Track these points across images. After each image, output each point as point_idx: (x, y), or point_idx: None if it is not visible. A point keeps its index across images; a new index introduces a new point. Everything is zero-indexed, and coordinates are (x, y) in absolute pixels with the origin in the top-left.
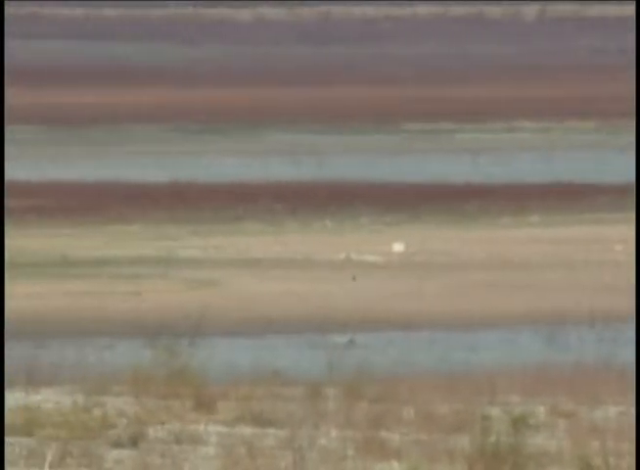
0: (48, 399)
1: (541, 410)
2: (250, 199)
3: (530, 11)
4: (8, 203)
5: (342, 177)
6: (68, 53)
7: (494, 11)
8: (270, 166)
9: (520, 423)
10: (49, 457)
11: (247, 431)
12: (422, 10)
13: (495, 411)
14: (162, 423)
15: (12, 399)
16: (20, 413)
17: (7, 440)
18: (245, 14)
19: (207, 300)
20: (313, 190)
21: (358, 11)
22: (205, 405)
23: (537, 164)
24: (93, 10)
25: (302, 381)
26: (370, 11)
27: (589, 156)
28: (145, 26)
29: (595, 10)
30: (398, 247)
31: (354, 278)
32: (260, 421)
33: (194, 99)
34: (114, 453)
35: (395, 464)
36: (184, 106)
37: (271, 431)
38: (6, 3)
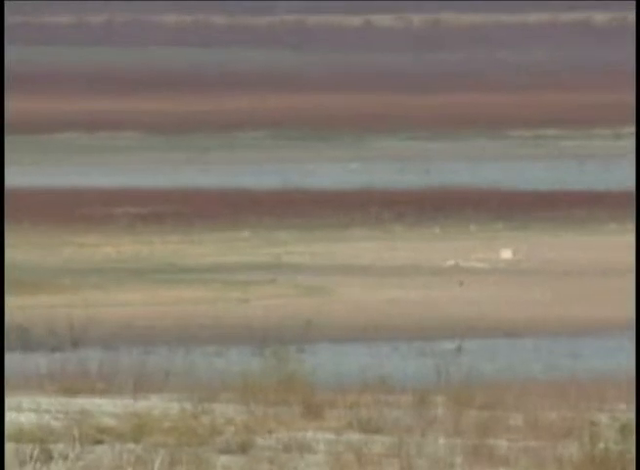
0: (156, 405)
1: None
2: (358, 206)
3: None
4: (118, 210)
5: (450, 184)
6: (176, 59)
7: (602, 17)
8: (378, 173)
9: (627, 430)
10: (157, 464)
11: (355, 438)
12: (531, 17)
13: (603, 418)
14: (271, 430)
15: (120, 405)
16: (128, 420)
17: (116, 446)
18: (354, 20)
19: (316, 306)
20: (421, 197)
21: (468, 18)
22: (313, 413)
23: None
24: (202, 17)
25: (410, 388)
26: (479, 18)
27: None
28: (253, 33)
29: None
30: (506, 253)
31: (462, 284)
32: (368, 428)
33: (301, 105)
34: (223, 460)
35: None
36: (291, 112)
37: (379, 438)
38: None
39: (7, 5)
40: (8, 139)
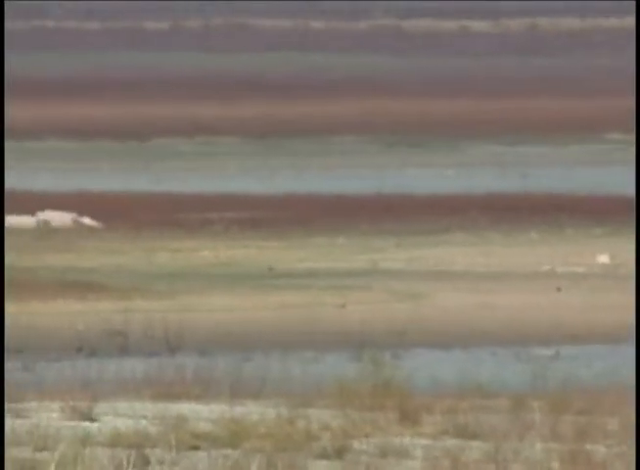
0: (253, 411)
1: None
2: (454, 211)
3: None
4: (214, 215)
5: (547, 189)
6: (273, 64)
7: None
8: (474, 178)
9: None
10: (253, 469)
11: (451, 443)
12: (627, 21)
13: None
14: (367, 436)
15: (217, 411)
16: (224, 425)
17: (212, 452)
18: (450, 25)
19: (412, 312)
20: (518, 202)
21: (565, 22)
22: (409, 418)
23: None
24: (300, 21)
25: (507, 393)
26: (576, 23)
27: None
28: (351, 38)
29: None
30: (603, 258)
31: (559, 290)
32: (465, 434)
33: (398, 111)
34: (319, 465)
35: None
36: (388, 118)
37: (475, 443)
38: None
39: (108, 10)
40: (109, 145)
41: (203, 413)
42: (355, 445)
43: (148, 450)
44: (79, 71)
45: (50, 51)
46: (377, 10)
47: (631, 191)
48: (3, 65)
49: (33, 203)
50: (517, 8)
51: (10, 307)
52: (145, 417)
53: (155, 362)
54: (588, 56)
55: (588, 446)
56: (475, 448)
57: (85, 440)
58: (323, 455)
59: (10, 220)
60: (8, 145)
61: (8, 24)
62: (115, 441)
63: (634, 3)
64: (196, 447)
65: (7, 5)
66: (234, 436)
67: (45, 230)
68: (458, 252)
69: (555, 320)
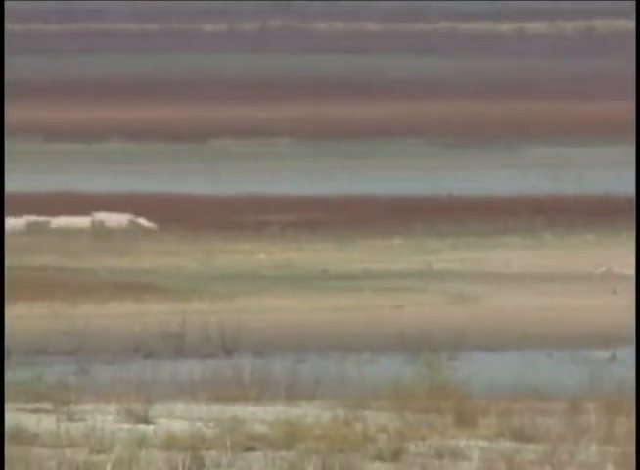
0: (308, 413)
1: None
2: (509, 213)
3: None
4: (270, 217)
5: (603, 190)
6: (328, 66)
7: None
8: (530, 180)
9: None
10: None
11: (507, 446)
12: None
13: None
14: (423, 438)
15: (273, 412)
16: (280, 427)
17: (268, 454)
18: (506, 27)
19: (467, 314)
20: (573, 204)
21: (621, 24)
22: (465, 420)
23: None
24: (355, 24)
25: (563, 396)
26: (632, 24)
27: None
28: (406, 40)
29: None
30: None
31: (615, 292)
32: (521, 436)
33: (453, 112)
34: (375, 467)
35: None
36: (443, 119)
37: (531, 446)
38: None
39: (166, 12)
40: (167, 147)
41: (258, 415)
42: (411, 447)
43: (203, 453)
44: (138, 74)
45: (108, 53)
46: (432, 12)
47: None
48: (3, 66)
49: (90, 204)
50: (573, 9)
51: (66, 310)
52: (200, 419)
53: (211, 364)
54: None
55: None
56: (530, 451)
57: (141, 442)
58: (379, 457)
59: (66, 222)
60: (72, 147)
61: (67, 26)
62: (171, 443)
63: None
64: (251, 449)
65: (65, 8)
66: (289, 437)
67: (101, 232)
68: (513, 254)
69: (611, 322)
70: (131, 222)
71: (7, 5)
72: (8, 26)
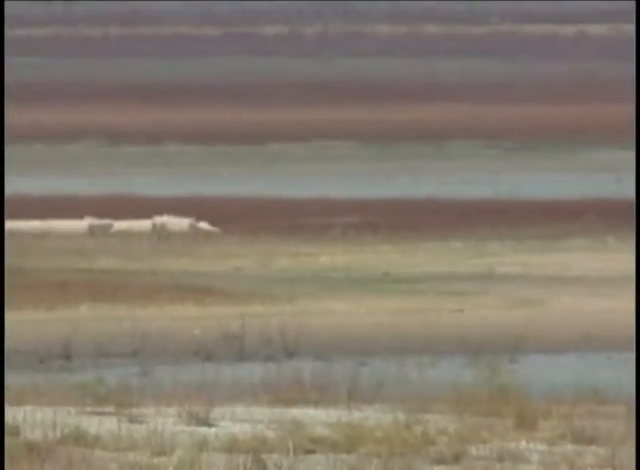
0: (370, 416)
1: None
2: (571, 216)
3: None
4: (331, 220)
5: None
6: (388, 69)
7: None
8: (591, 184)
9: None
10: None
11: (568, 449)
12: None
13: None
14: (484, 441)
15: (334, 415)
16: (341, 430)
17: (329, 456)
18: (568, 30)
19: (528, 317)
20: (634, 206)
21: None
22: (526, 423)
23: None
24: (414, 27)
25: (623, 399)
26: None
27: None
28: (467, 43)
29: None
30: None
31: None
32: (582, 439)
33: (514, 115)
34: None
35: None
36: (503, 122)
37: (592, 449)
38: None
39: (227, 15)
40: (228, 150)
41: (319, 418)
42: (472, 450)
43: (265, 455)
44: (199, 77)
45: (169, 57)
46: (494, 15)
47: None
48: (3, 67)
49: (151, 207)
50: (633, 10)
51: (128, 312)
52: (262, 422)
53: (272, 367)
54: None
55: None
56: (591, 454)
57: (202, 445)
58: (439, 460)
59: (127, 225)
60: (134, 150)
61: (128, 30)
62: (232, 445)
63: None
64: (312, 452)
65: (126, 12)
66: (351, 440)
67: (162, 235)
68: (575, 257)
69: None
70: (192, 225)
71: (69, 9)
72: (71, 30)
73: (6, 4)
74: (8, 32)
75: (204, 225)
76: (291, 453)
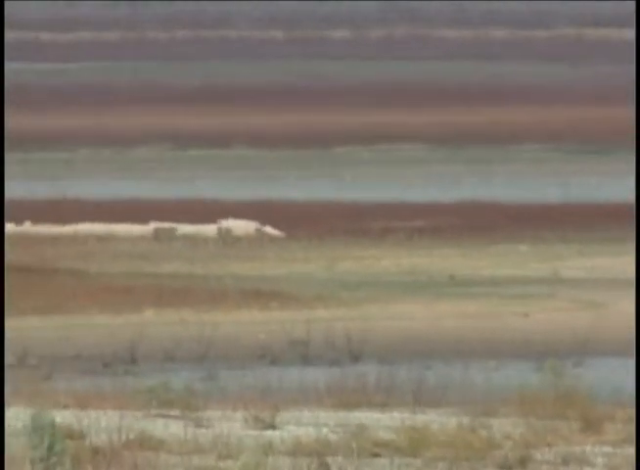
0: (434, 419)
1: None
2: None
3: None
4: (396, 223)
5: None
6: (454, 73)
7: None
8: None
9: None
10: None
11: (632, 452)
12: None
13: None
14: (549, 445)
15: (398, 419)
16: (406, 434)
17: (394, 460)
18: (631, 33)
19: (594, 321)
20: None
21: None
22: (591, 427)
23: None
24: (479, 31)
25: None
26: None
27: None
28: (532, 47)
29: None
30: None
31: None
32: None
33: (579, 118)
34: None
35: None
36: (570, 125)
37: None
38: None
39: (291, 19)
40: (293, 153)
41: (384, 421)
42: (537, 454)
43: (329, 459)
44: (264, 81)
45: (234, 60)
46: (560, 18)
47: None
48: (3, 69)
49: (217, 211)
50: None
51: (193, 316)
52: (326, 425)
53: (336, 371)
54: None
55: None
56: None
57: (267, 448)
58: (504, 465)
59: (192, 229)
60: (199, 154)
61: (193, 33)
62: (297, 449)
63: None
64: (377, 455)
65: (191, 15)
66: (415, 444)
67: (228, 239)
68: None
69: None
70: (258, 230)
71: (135, 11)
72: (136, 34)
73: (72, 7)
74: (72, 36)
75: (269, 229)
76: (355, 457)
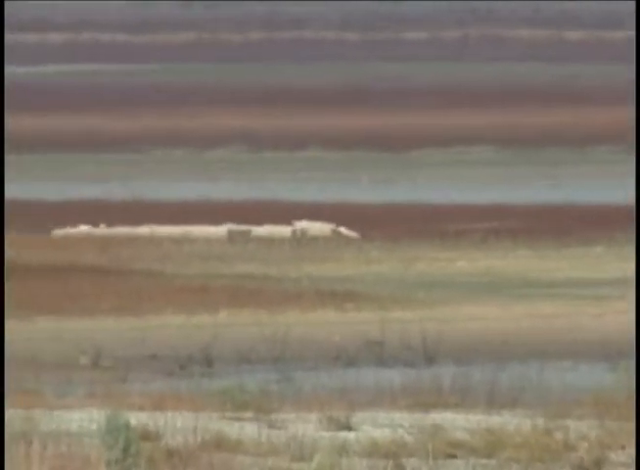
0: (509, 421)
1: None
2: None
3: None
4: (471, 225)
5: None
6: (528, 74)
7: None
8: None
9: None
10: None
11: None
12: None
13: None
14: (624, 447)
15: (473, 420)
16: (481, 435)
17: (469, 461)
18: None
19: None
20: None
21: None
22: None
23: None
24: (554, 32)
25: None
26: None
27: None
28: (606, 48)
29: None
30: None
31: None
32: None
33: None
34: None
35: None
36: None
37: None
38: None
39: (366, 20)
40: (368, 156)
41: (459, 423)
42: (612, 456)
43: (404, 460)
44: (339, 82)
45: (310, 62)
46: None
47: None
48: (3, 70)
49: (291, 213)
50: None
51: (268, 317)
52: (401, 426)
53: (411, 372)
54: None
55: None
56: None
57: (342, 450)
58: (580, 466)
59: (267, 230)
60: (274, 155)
61: (269, 35)
62: (372, 450)
63: None
64: (452, 457)
65: (267, 17)
66: (490, 445)
67: (303, 240)
68: None
69: None
70: (333, 231)
71: (209, 12)
72: (211, 35)
73: (147, 8)
74: (147, 37)
75: (344, 230)
76: (430, 458)
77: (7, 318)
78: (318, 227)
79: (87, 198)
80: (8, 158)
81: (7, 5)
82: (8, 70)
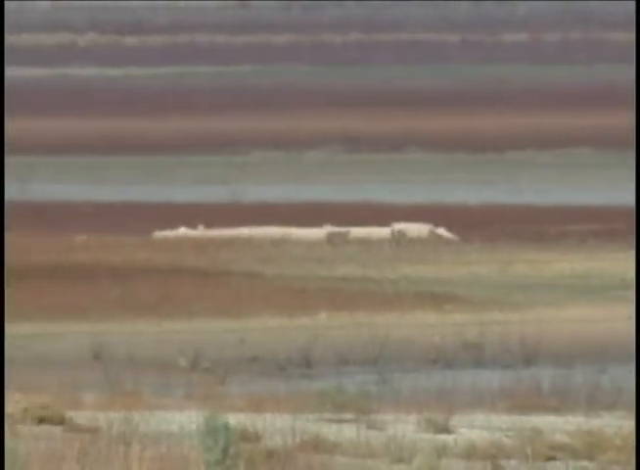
0: (609, 423)
1: None
2: None
3: None
4: (570, 227)
5: None
6: (624, 75)
7: None
8: None
9: None
10: None
11: None
12: None
13: None
14: None
15: (573, 423)
16: (581, 437)
17: (569, 464)
18: None
19: None
20: None
21: None
22: None
23: None
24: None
25: None
26: None
27: None
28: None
29: None
30: None
31: None
32: None
33: None
34: None
35: None
36: None
37: None
38: None
39: (466, 23)
40: (467, 157)
41: (558, 425)
42: None
43: (503, 462)
44: (438, 84)
45: (409, 64)
46: None
47: None
48: (3, 70)
49: (390, 214)
50: None
51: (367, 319)
52: (500, 429)
53: (510, 374)
54: None
55: None
56: None
57: (441, 451)
58: None
59: (365, 232)
60: (372, 157)
61: (369, 37)
62: (471, 452)
63: None
64: (552, 459)
65: (366, 19)
66: (590, 448)
67: (401, 242)
68: None
69: None
70: (431, 232)
71: (309, 13)
72: (306, 36)
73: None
74: (246, 38)
75: (442, 232)
76: (529, 460)
77: (108, 320)
78: (416, 229)
79: (187, 200)
80: (109, 160)
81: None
82: (115, 72)
